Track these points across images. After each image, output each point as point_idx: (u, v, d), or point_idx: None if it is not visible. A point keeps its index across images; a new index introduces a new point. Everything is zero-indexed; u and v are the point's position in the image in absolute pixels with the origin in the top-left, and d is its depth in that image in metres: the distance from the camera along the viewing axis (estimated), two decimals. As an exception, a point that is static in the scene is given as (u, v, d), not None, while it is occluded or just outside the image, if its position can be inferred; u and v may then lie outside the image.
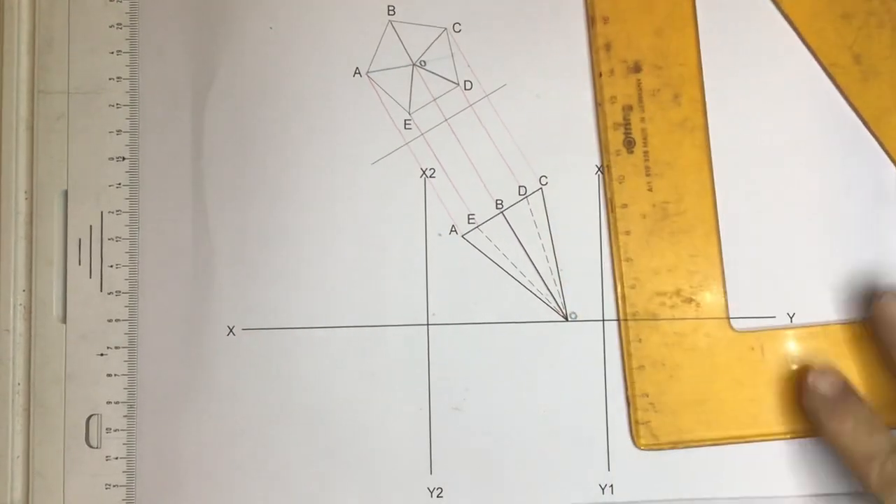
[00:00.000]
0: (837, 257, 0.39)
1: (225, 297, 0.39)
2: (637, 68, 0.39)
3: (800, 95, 0.40)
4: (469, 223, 0.39)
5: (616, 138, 0.39)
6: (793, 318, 0.39)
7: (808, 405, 0.37)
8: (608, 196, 0.39)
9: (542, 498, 0.38)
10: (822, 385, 0.37)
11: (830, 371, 0.37)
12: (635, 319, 0.38)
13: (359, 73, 0.40)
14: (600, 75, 0.39)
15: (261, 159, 0.39)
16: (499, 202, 0.39)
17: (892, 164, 0.39)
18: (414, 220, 0.39)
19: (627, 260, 0.39)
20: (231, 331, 0.39)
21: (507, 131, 0.39)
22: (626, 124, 0.39)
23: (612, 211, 0.39)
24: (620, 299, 0.39)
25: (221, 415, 0.38)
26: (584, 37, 0.40)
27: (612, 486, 0.38)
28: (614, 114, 0.39)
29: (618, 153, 0.39)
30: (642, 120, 0.39)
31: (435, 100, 0.39)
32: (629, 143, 0.39)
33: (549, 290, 0.39)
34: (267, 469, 0.38)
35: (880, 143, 0.39)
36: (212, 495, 0.38)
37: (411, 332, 0.39)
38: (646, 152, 0.39)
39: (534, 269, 0.39)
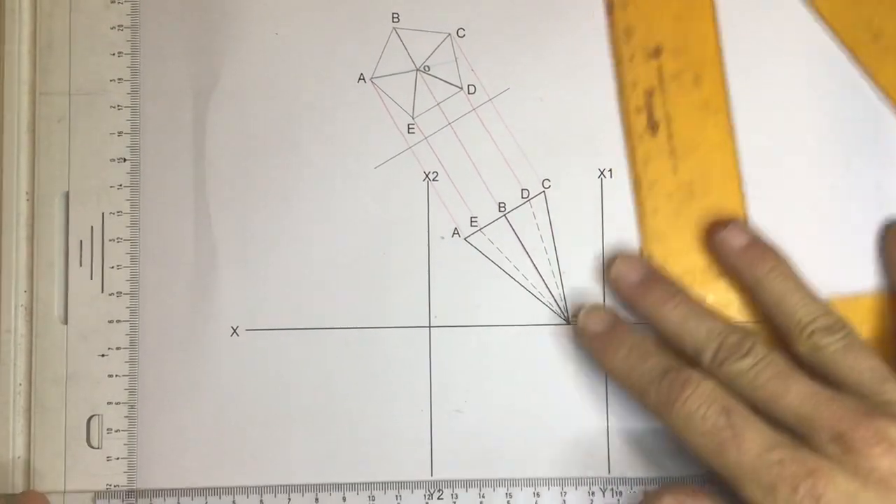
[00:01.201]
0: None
1: (228, 297, 0.39)
2: (657, 53, 0.39)
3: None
4: (472, 226, 0.39)
5: (639, 122, 0.39)
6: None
7: (583, 346, 0.38)
8: (634, 176, 0.39)
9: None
10: (592, 323, 0.37)
11: (597, 308, 0.38)
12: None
13: (363, 78, 0.39)
14: (620, 61, 0.39)
15: (264, 162, 0.39)
16: (501, 205, 0.39)
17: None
18: (417, 223, 0.39)
19: (656, 239, 0.39)
20: (234, 331, 0.39)
21: (510, 135, 0.39)
22: (649, 107, 0.39)
23: (638, 191, 0.39)
24: None
25: (223, 415, 0.39)
26: (586, 39, 0.40)
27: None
28: (636, 98, 0.39)
29: (641, 137, 0.39)
30: (664, 103, 0.39)
31: (438, 104, 0.39)
32: (653, 127, 0.39)
33: (551, 293, 0.39)
34: (268, 470, 0.38)
35: None
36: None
37: (413, 335, 0.39)
38: (670, 135, 0.39)
39: (536, 271, 0.39)
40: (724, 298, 0.39)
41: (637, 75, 0.39)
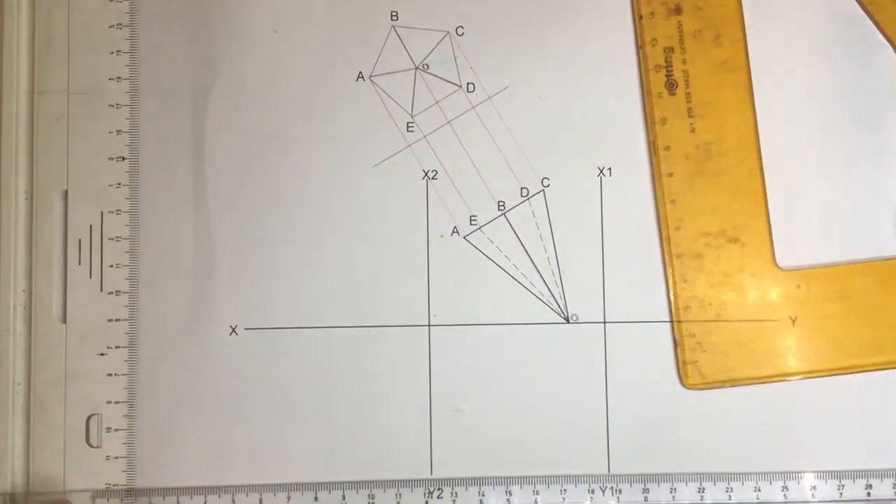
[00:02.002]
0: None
1: (227, 296, 0.39)
2: (678, 10, 0.39)
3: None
4: (471, 225, 0.39)
5: (658, 80, 0.39)
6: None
7: None
8: (650, 139, 0.39)
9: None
10: None
11: None
12: (680, 258, 0.39)
13: (362, 77, 0.39)
14: (640, 17, 0.39)
15: (263, 160, 0.39)
16: (501, 204, 0.39)
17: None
18: (416, 221, 0.39)
19: (672, 202, 0.39)
20: (233, 330, 0.39)
21: (509, 133, 0.39)
22: (668, 66, 0.39)
23: (654, 153, 0.39)
24: (665, 241, 0.39)
25: (222, 414, 0.39)
26: (586, 39, 0.40)
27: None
28: (656, 56, 0.39)
29: (660, 95, 0.39)
30: (684, 62, 0.39)
31: (437, 102, 0.39)
32: (671, 85, 0.39)
33: (550, 291, 0.39)
34: (268, 469, 0.38)
35: None
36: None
37: (413, 333, 0.39)
38: (688, 94, 0.39)
39: (535, 270, 0.39)
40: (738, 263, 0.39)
41: (657, 32, 0.39)
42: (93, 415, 0.38)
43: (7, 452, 0.38)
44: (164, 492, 0.38)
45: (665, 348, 0.39)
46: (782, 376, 0.38)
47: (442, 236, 0.39)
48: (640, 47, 0.39)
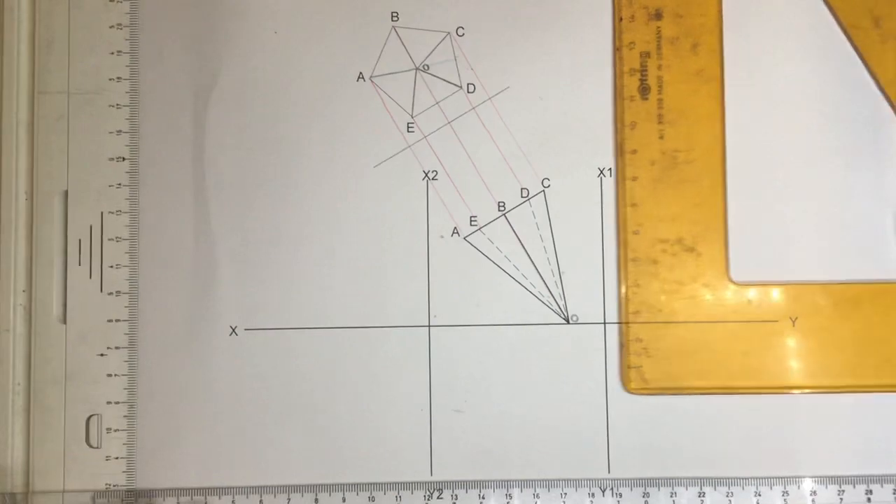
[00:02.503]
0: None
1: (227, 297, 0.39)
2: (658, 15, 0.39)
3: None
4: (471, 225, 0.39)
5: (631, 84, 0.39)
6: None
7: None
8: (618, 141, 0.39)
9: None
10: None
11: None
12: (636, 262, 0.39)
13: (362, 77, 0.39)
14: (621, 20, 0.39)
15: (263, 161, 0.39)
16: (501, 204, 0.39)
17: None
18: (416, 222, 0.39)
19: (633, 205, 0.39)
20: (233, 331, 0.39)
21: (510, 134, 0.39)
22: (643, 70, 0.39)
23: (620, 156, 0.39)
24: (622, 244, 0.39)
25: (222, 415, 0.39)
26: (586, 40, 0.40)
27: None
28: (631, 59, 0.39)
29: (632, 98, 0.39)
30: (659, 67, 0.39)
31: (437, 103, 0.39)
32: (644, 90, 0.39)
33: (550, 292, 0.39)
34: (267, 469, 0.38)
35: (893, 107, 0.39)
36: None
37: (413, 334, 0.39)
38: (660, 100, 0.39)
39: (535, 271, 0.39)
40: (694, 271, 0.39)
41: (635, 36, 0.39)
42: (93, 415, 0.38)
43: (7, 452, 0.38)
44: (164, 492, 0.38)
45: (666, 350, 0.39)
46: (726, 389, 0.38)
47: (442, 236, 0.39)
48: (616, 49, 0.39)
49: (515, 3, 0.40)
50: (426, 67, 0.40)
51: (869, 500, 0.38)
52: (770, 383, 0.38)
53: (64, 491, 0.38)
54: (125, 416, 0.38)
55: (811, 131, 0.39)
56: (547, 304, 0.39)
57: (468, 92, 0.40)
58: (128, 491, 0.38)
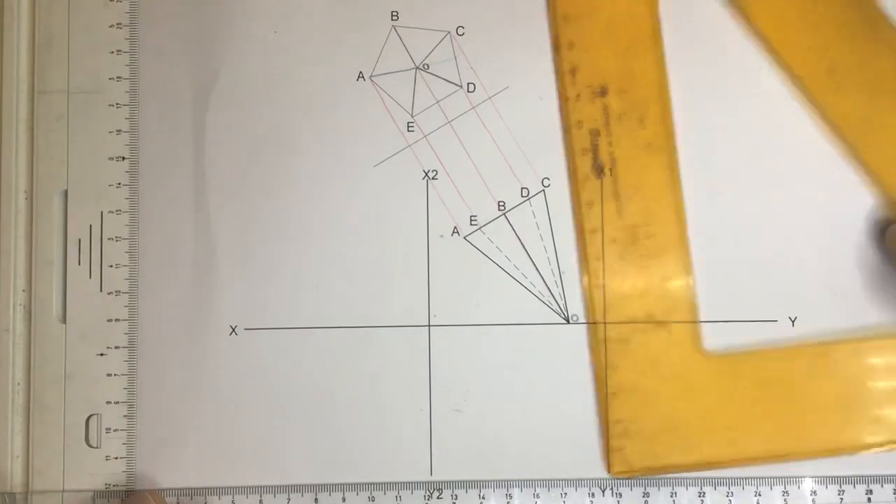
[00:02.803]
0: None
1: (227, 296, 0.39)
2: (603, 92, 0.39)
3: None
4: (471, 225, 0.39)
5: (584, 164, 0.39)
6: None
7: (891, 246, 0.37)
8: (577, 221, 0.39)
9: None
10: None
11: None
12: (608, 343, 0.38)
13: (362, 76, 0.39)
14: (567, 100, 0.39)
15: (263, 160, 0.39)
16: (501, 204, 0.39)
17: (863, 175, 0.39)
18: (416, 221, 0.39)
19: (598, 287, 0.39)
20: (233, 330, 0.39)
21: (510, 133, 0.39)
22: (594, 149, 0.39)
23: (581, 236, 0.39)
24: (591, 328, 0.39)
25: (222, 415, 0.38)
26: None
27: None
28: (581, 139, 0.39)
29: (586, 178, 0.39)
30: (609, 144, 0.39)
31: (438, 102, 0.39)
32: (598, 169, 0.39)
33: (550, 292, 0.39)
34: (268, 470, 0.38)
35: (852, 155, 0.39)
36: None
37: (413, 334, 0.39)
38: (614, 176, 0.39)
39: (535, 271, 0.39)
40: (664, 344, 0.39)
41: (582, 115, 0.39)
42: (92, 415, 0.38)
43: (7, 452, 0.38)
44: (164, 492, 0.38)
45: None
46: (711, 465, 0.38)
47: (442, 236, 0.39)
48: (565, 130, 0.39)
49: (515, 3, 0.40)
50: (426, 67, 0.40)
51: (869, 500, 0.38)
52: (754, 454, 0.38)
53: (63, 491, 0.38)
54: (125, 416, 0.38)
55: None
56: (547, 304, 0.39)
57: (468, 91, 0.40)
58: (128, 491, 0.38)
